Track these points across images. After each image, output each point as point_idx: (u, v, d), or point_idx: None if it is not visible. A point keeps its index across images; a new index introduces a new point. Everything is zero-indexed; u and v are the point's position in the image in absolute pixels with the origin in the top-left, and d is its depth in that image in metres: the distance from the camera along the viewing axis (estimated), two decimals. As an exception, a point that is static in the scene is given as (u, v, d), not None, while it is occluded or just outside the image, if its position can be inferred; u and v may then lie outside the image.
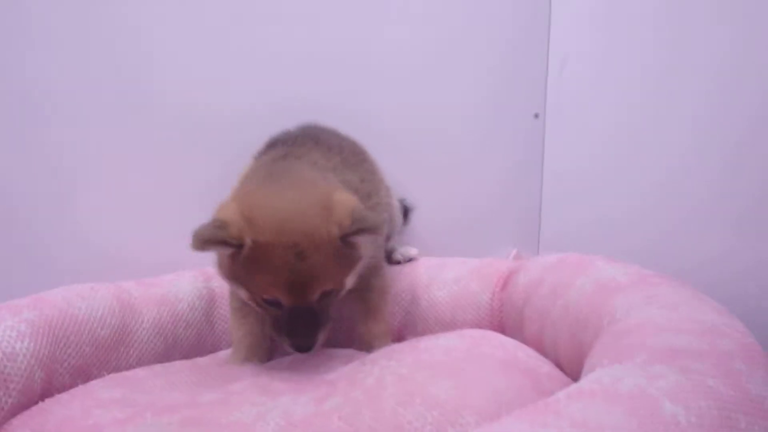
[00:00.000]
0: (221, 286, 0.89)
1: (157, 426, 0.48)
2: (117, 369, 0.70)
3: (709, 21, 0.91)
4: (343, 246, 0.62)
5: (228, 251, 0.61)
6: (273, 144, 0.82)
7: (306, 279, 0.61)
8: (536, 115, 1.10)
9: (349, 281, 0.66)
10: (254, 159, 0.82)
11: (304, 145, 0.77)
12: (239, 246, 0.60)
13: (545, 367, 0.64)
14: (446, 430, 0.48)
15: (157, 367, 0.70)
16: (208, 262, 0.96)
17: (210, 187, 0.97)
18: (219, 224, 0.61)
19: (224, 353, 0.81)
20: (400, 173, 0.99)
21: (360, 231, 0.61)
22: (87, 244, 0.97)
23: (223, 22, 0.99)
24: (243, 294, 0.65)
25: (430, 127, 1.09)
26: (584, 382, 0.43)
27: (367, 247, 0.67)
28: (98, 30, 0.95)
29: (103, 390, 0.59)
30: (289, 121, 0.89)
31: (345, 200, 0.63)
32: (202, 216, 0.97)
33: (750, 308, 0.80)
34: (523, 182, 1.14)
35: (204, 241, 0.59)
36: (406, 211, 1.05)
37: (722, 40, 0.90)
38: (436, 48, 1.07)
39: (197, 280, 0.87)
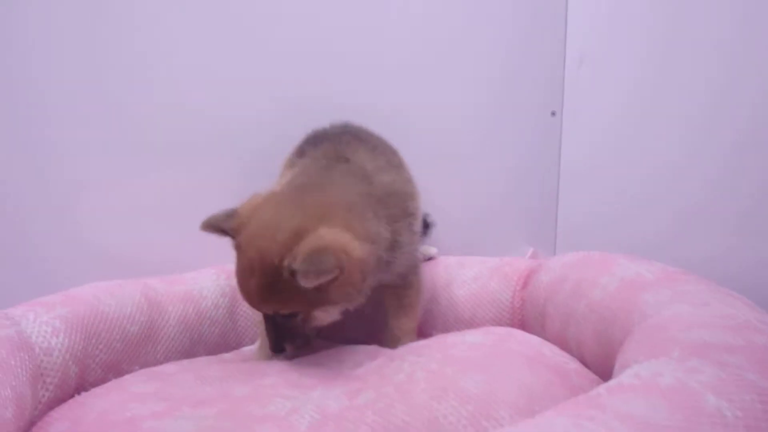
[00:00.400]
0: (243, 284, 0.90)
1: (194, 418, 0.49)
2: (145, 365, 0.71)
3: (725, 21, 0.92)
4: (297, 282, 0.58)
5: (224, 238, 0.65)
6: (317, 140, 0.82)
7: (252, 296, 0.63)
8: (553, 113, 1.10)
9: (323, 316, 0.65)
10: (295, 154, 0.82)
11: (350, 144, 0.78)
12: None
13: (572, 363, 0.64)
14: (481, 423, 0.48)
15: (185, 362, 0.71)
16: (226, 259, 0.98)
17: (228, 186, 0.99)
18: (230, 213, 0.66)
19: (248, 349, 0.81)
20: (416, 172, 0.99)
21: (301, 275, 0.57)
22: (104, 241, 0.97)
23: (232, 22, 1.00)
24: None
25: (446, 126, 1.10)
26: (623, 377, 0.44)
27: (348, 291, 0.63)
28: (104, 28, 0.95)
29: (137, 384, 0.60)
30: (306, 122, 0.89)
31: (317, 239, 0.60)
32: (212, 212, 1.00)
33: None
34: (539, 181, 1.14)
35: (206, 222, 0.66)
36: (426, 226, 1.06)
37: (736, 39, 0.90)
38: (452, 46, 1.07)
39: (219, 277, 0.88)
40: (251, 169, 0.97)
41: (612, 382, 0.43)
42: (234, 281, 0.88)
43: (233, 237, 0.64)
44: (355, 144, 0.79)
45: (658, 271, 0.66)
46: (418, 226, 0.79)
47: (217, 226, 0.65)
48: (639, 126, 1.04)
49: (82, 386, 0.62)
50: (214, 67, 0.99)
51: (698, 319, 0.52)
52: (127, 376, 0.65)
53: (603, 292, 0.67)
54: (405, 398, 0.51)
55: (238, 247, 0.63)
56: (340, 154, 0.75)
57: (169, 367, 0.68)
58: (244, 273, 0.62)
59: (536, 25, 1.09)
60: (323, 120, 0.88)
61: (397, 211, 0.72)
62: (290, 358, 0.70)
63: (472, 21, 1.07)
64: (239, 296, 0.89)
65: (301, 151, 0.81)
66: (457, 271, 0.93)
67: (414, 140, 1.06)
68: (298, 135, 0.89)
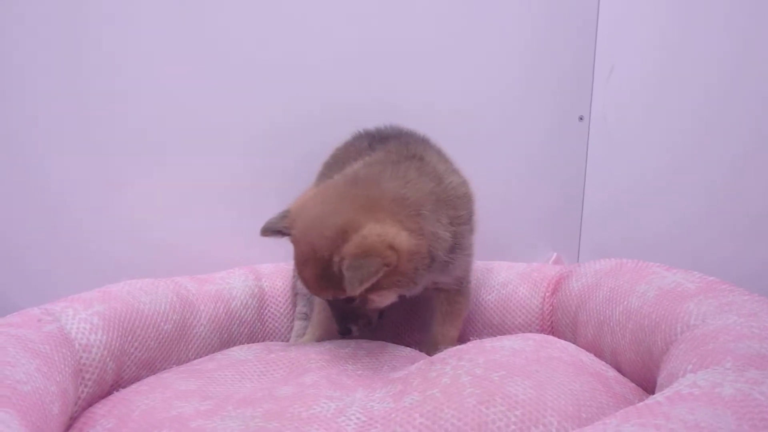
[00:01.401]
0: (271, 286, 0.90)
1: (241, 418, 0.49)
2: (178, 363, 0.71)
3: (750, 31, 0.91)
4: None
5: (281, 238, 0.68)
6: (381, 138, 0.82)
7: (309, 284, 0.67)
8: (581, 118, 1.10)
9: (379, 299, 0.67)
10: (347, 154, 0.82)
11: (419, 144, 0.80)
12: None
13: (610, 371, 0.63)
14: (530, 429, 0.48)
15: (219, 356, 0.71)
16: (254, 260, 0.98)
17: (263, 185, 1.00)
18: (284, 213, 0.69)
19: (274, 344, 0.80)
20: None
21: (347, 283, 0.59)
22: (136, 239, 0.97)
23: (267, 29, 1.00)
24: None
25: (472, 127, 1.10)
26: (679, 386, 0.43)
27: (399, 280, 0.65)
28: (125, 26, 0.95)
29: (178, 381, 0.60)
30: (343, 123, 0.90)
31: (361, 240, 0.61)
32: (245, 210, 1.00)
33: None
34: (565, 185, 1.14)
35: (264, 228, 0.69)
36: None
37: (760, 48, 0.90)
38: (483, 49, 1.08)
39: (248, 278, 0.88)
40: (288, 168, 0.97)
41: (668, 391, 0.42)
42: (264, 282, 0.90)
43: (289, 234, 0.67)
44: (424, 144, 0.80)
45: (699, 281, 0.65)
46: (476, 230, 0.80)
47: (273, 229, 0.68)
48: (666, 136, 1.04)
49: (117, 383, 0.62)
50: (245, 67, 1.00)
51: (748, 330, 0.51)
52: (166, 373, 0.64)
53: (641, 300, 0.67)
54: (452, 402, 0.50)
55: (293, 241, 0.67)
56: (413, 153, 0.75)
57: (208, 363, 0.67)
58: (300, 264, 0.66)
59: (567, 30, 1.09)
60: (360, 122, 0.88)
61: (463, 213, 0.73)
62: (356, 336, 0.72)
63: (504, 24, 1.08)
64: (267, 297, 0.90)
65: (357, 150, 0.81)
66: (485, 276, 0.93)
67: (440, 141, 1.07)
68: (336, 135, 0.89)
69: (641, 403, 0.41)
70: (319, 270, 0.63)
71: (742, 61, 0.92)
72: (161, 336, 0.68)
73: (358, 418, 0.49)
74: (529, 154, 1.12)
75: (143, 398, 0.55)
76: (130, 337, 0.63)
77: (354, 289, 0.58)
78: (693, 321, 0.57)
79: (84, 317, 0.60)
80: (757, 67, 0.91)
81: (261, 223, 1.00)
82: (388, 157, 0.73)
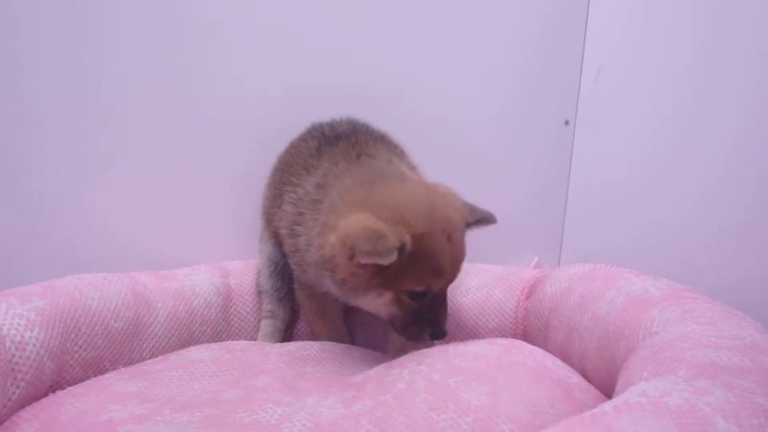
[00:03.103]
0: (239, 284, 0.88)
1: (176, 424, 0.46)
2: (130, 363, 0.68)
3: (746, 36, 0.90)
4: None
5: (394, 257, 0.58)
6: (332, 140, 0.79)
7: (456, 258, 0.66)
8: (567, 122, 1.09)
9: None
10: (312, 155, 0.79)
11: (369, 144, 0.77)
12: (402, 248, 0.59)
13: (574, 377, 0.62)
14: (480, 438, 0.46)
15: (173, 356, 0.68)
16: (223, 257, 0.96)
17: (226, 181, 0.98)
18: (378, 235, 0.57)
19: (236, 343, 0.78)
20: (426, 174, 0.97)
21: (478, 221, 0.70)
22: (100, 234, 0.95)
23: (248, 18, 0.98)
24: (376, 301, 0.64)
25: (457, 130, 1.08)
26: (629, 395, 0.42)
27: None
28: (130, 22, 0.94)
29: (118, 383, 0.57)
30: (308, 121, 0.88)
31: (451, 193, 0.70)
32: (219, 209, 0.98)
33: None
34: (549, 190, 1.12)
35: (381, 256, 0.57)
36: None
37: (759, 54, 0.89)
38: (469, 51, 1.06)
39: (214, 275, 0.85)
40: (259, 165, 0.94)
41: (617, 400, 0.41)
42: (231, 280, 0.87)
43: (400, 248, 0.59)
44: (376, 143, 0.78)
45: (666, 288, 0.64)
46: None
47: (391, 250, 0.58)
48: (652, 140, 1.03)
49: (58, 384, 0.59)
50: (215, 63, 0.97)
51: (705, 339, 0.50)
52: (109, 374, 0.61)
53: (609, 307, 0.66)
54: (403, 408, 0.49)
55: (415, 242, 0.61)
56: (365, 154, 0.74)
57: (156, 364, 0.65)
58: (442, 250, 0.65)
59: (555, 33, 1.07)
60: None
61: None
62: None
63: (490, 27, 1.06)
64: (234, 295, 0.88)
65: (315, 149, 0.78)
66: (461, 278, 0.90)
67: (423, 143, 1.05)
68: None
69: (588, 413, 0.40)
70: (461, 238, 0.67)
71: (733, 65, 0.91)
72: (111, 334, 0.65)
73: (303, 425, 0.48)
74: (512, 159, 1.11)
75: (75, 401, 0.52)
76: (73, 335, 0.60)
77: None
78: (655, 328, 0.56)
79: (19, 312, 0.56)
80: (748, 70, 0.90)
81: (232, 219, 0.99)
82: (344, 169, 0.72)
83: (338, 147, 0.75)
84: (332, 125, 0.82)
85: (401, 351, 0.73)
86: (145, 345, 0.71)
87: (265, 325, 0.83)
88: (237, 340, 0.84)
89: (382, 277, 0.61)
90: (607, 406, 0.40)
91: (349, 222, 0.59)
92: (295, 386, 0.57)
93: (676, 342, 0.51)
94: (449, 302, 0.88)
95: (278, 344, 0.72)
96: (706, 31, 0.95)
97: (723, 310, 0.57)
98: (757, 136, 0.89)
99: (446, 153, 1.06)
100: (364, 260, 0.58)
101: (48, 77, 0.91)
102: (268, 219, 0.84)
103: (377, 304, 0.64)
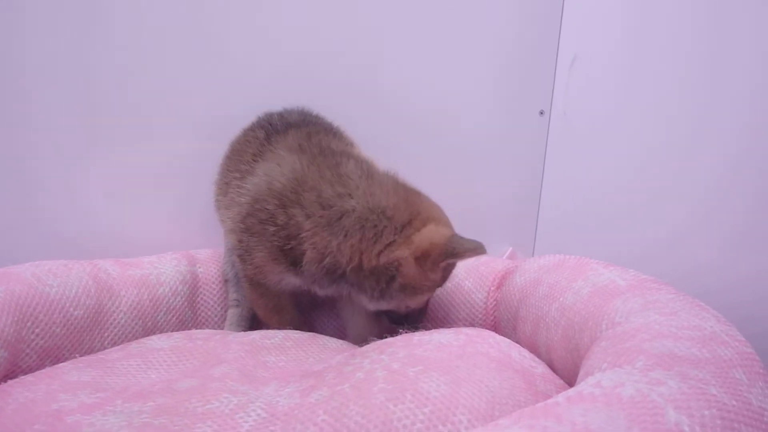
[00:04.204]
0: (206, 272, 0.86)
1: (126, 414, 0.45)
2: (91, 352, 0.66)
3: (723, 25, 0.90)
4: None
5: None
6: (283, 130, 0.78)
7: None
8: (541, 112, 1.08)
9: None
10: (265, 144, 0.78)
11: (342, 139, 0.78)
12: None
13: (539, 368, 0.62)
14: (437, 428, 0.46)
15: (133, 345, 0.66)
16: (192, 245, 0.94)
17: (197, 168, 0.95)
18: (460, 238, 0.69)
19: (199, 332, 0.77)
20: (398, 166, 0.96)
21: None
22: (65, 222, 0.92)
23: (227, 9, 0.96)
24: (421, 299, 0.72)
25: (432, 119, 1.07)
26: (584, 385, 0.42)
27: None
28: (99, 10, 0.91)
29: (72, 372, 0.55)
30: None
31: None
32: (188, 196, 0.96)
33: (743, 316, 0.79)
34: (523, 180, 1.12)
35: (476, 251, 0.68)
36: None
37: (729, 42, 0.89)
38: (444, 40, 1.04)
39: (180, 263, 0.83)
40: (223, 150, 0.92)
41: (572, 391, 0.40)
42: (198, 268, 0.86)
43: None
44: (327, 134, 0.78)
45: (631, 279, 0.64)
46: None
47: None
48: (627, 130, 1.03)
49: (13, 373, 0.57)
50: (183, 49, 0.94)
51: (665, 329, 0.50)
52: (64, 363, 0.60)
53: (575, 297, 0.65)
54: (360, 398, 0.48)
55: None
56: (345, 153, 0.74)
57: (114, 353, 0.63)
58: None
59: (531, 23, 1.06)
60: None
61: None
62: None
63: (466, 17, 1.04)
64: (201, 284, 0.87)
65: (264, 138, 0.77)
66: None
67: (397, 134, 1.04)
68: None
69: (542, 403, 0.39)
70: None
71: (711, 54, 0.91)
72: (70, 323, 0.64)
73: (258, 414, 0.47)
74: (486, 147, 1.10)
75: (25, 390, 0.50)
76: (30, 323, 0.59)
77: None
78: (618, 318, 0.56)
79: (-27, 300, 0.55)
80: (725, 59, 0.90)
81: (200, 207, 0.97)
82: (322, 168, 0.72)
83: (288, 136, 0.74)
84: (283, 114, 0.82)
85: (363, 341, 0.73)
86: (106, 334, 0.69)
87: (232, 314, 0.82)
88: (203, 329, 0.82)
89: (443, 278, 0.71)
90: (561, 396, 0.40)
91: (426, 236, 0.67)
92: (254, 376, 0.56)
93: (636, 332, 0.51)
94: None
95: (242, 333, 0.71)
96: (682, 22, 0.94)
97: (686, 301, 0.57)
98: (730, 123, 0.89)
99: (420, 143, 1.05)
100: (460, 260, 0.71)
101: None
102: (217, 207, 0.83)
103: (419, 301, 0.72)
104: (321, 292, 0.72)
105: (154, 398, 0.49)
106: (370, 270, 0.66)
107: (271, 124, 0.79)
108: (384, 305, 0.71)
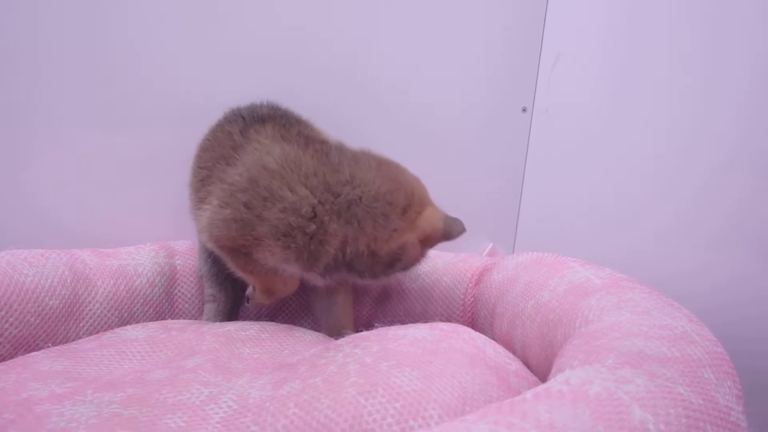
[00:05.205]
0: (184, 264, 0.86)
1: (96, 404, 0.45)
2: (65, 342, 0.65)
3: (706, 24, 0.90)
4: None
5: None
6: (259, 122, 0.76)
7: None
8: (524, 109, 1.08)
9: None
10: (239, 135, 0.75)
11: (314, 129, 0.78)
12: None
13: (513, 365, 0.62)
14: (408, 422, 0.46)
15: (107, 335, 0.65)
16: (171, 236, 0.93)
17: (178, 158, 0.94)
18: (453, 218, 0.77)
19: (175, 322, 0.76)
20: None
21: None
22: (43, 211, 0.90)
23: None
24: (398, 277, 0.78)
25: (413, 113, 1.06)
26: (552, 383, 0.42)
27: None
28: None
29: (44, 361, 0.55)
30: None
31: None
32: (168, 186, 0.95)
33: (729, 319, 0.81)
34: (504, 176, 1.12)
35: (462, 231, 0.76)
36: None
37: (712, 44, 0.89)
38: (429, 36, 1.04)
39: (159, 254, 0.83)
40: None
41: (540, 388, 0.41)
42: (176, 260, 0.85)
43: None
44: (299, 126, 0.77)
45: (607, 277, 0.65)
46: None
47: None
48: (611, 129, 1.03)
49: (-14, 362, 0.57)
50: (162, 36, 0.93)
51: (636, 328, 0.51)
52: (36, 353, 0.59)
53: (551, 295, 0.66)
54: (332, 391, 0.48)
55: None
56: (326, 141, 0.74)
57: (88, 343, 0.62)
58: None
59: (515, 19, 1.06)
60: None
61: None
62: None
63: (449, 12, 1.03)
64: (179, 276, 0.86)
65: (242, 132, 0.74)
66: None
67: (379, 127, 1.03)
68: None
69: (509, 399, 0.40)
70: None
71: (696, 52, 0.91)
72: (45, 312, 0.63)
73: (229, 406, 0.46)
74: (468, 143, 1.10)
75: (-6, 379, 0.50)
76: (3, 312, 0.58)
77: None
78: (591, 316, 0.57)
79: (-56, 288, 0.54)
80: (709, 58, 0.90)
81: (179, 198, 0.95)
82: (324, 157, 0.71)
83: (266, 127, 0.73)
84: (252, 108, 0.80)
85: (338, 333, 0.73)
86: (81, 324, 0.68)
87: (208, 309, 0.81)
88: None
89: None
90: (529, 393, 0.40)
91: (425, 218, 0.72)
92: (227, 367, 0.55)
93: (608, 331, 0.52)
94: (400, 289, 0.89)
95: (218, 324, 0.70)
96: (667, 20, 0.95)
97: (659, 300, 0.58)
98: (716, 125, 0.90)
99: (402, 137, 1.05)
100: (450, 240, 0.75)
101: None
102: (192, 208, 0.80)
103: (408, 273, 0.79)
104: (321, 282, 0.72)
105: (125, 389, 0.48)
106: (381, 256, 0.69)
107: (243, 118, 0.76)
108: (378, 283, 0.75)
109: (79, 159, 0.92)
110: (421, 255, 0.74)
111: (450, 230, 0.74)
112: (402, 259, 0.71)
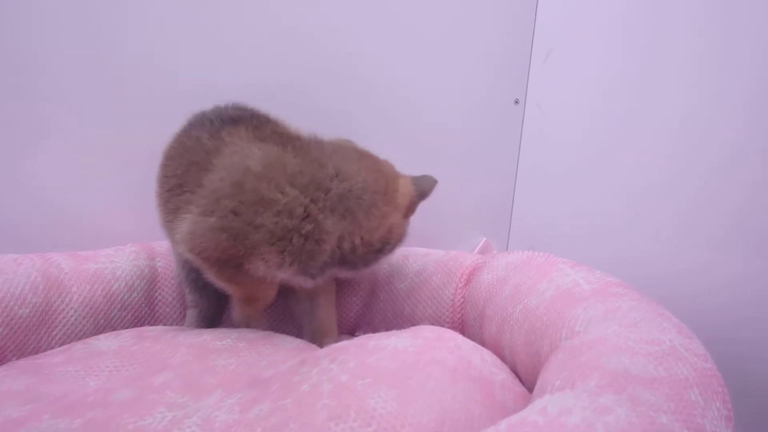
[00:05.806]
0: (166, 267, 0.83)
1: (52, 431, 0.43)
2: (37, 352, 0.63)
3: (694, 18, 0.86)
4: None
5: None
6: (230, 124, 0.72)
7: None
8: (516, 101, 1.04)
9: None
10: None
11: (284, 126, 0.75)
12: None
13: (500, 374, 0.60)
14: (379, 449, 0.44)
15: (78, 346, 0.63)
16: (155, 236, 0.91)
17: (154, 152, 0.91)
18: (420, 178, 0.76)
19: (151, 329, 0.74)
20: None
21: None
22: (21, 211, 0.88)
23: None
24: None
25: (404, 106, 1.03)
26: (529, 411, 0.40)
27: None
28: None
29: (5, 380, 0.53)
30: (264, 102, 0.81)
31: None
32: (146, 182, 0.92)
33: (729, 319, 0.78)
34: (497, 170, 1.09)
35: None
36: None
37: (708, 39, 0.85)
38: (415, 27, 0.99)
39: (139, 257, 0.80)
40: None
41: (515, 418, 0.38)
42: (157, 262, 0.82)
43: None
44: (270, 125, 0.74)
45: (596, 282, 0.62)
46: None
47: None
48: (603, 124, 1.00)
49: (-51, 379, 0.55)
50: (148, 30, 0.89)
51: (623, 343, 0.48)
52: (-2, 369, 0.57)
53: (539, 300, 0.63)
54: (301, 415, 0.46)
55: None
56: (310, 138, 0.73)
57: (55, 356, 0.60)
58: None
59: (506, 12, 1.01)
60: (270, 103, 0.80)
61: None
62: None
63: (440, 5, 0.99)
64: (160, 279, 0.83)
65: (212, 135, 0.70)
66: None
67: (370, 121, 1.00)
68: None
69: (483, 431, 0.38)
70: None
71: (690, 48, 0.87)
72: (14, 322, 0.61)
73: (191, 431, 0.45)
74: (460, 136, 1.06)
75: (-53, 403, 0.48)
76: (-33, 324, 0.56)
77: None
78: (578, 327, 0.54)
79: None
80: (696, 53, 0.86)
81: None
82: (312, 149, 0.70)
83: (239, 128, 0.69)
84: (218, 111, 0.76)
85: (320, 340, 0.72)
86: (54, 333, 0.67)
87: (190, 315, 0.79)
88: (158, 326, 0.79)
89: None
90: (503, 424, 0.38)
91: (402, 192, 0.72)
92: (198, 384, 0.53)
93: (594, 345, 0.49)
94: (388, 289, 0.86)
95: (195, 332, 0.68)
96: (658, 15, 0.90)
97: (648, 309, 0.55)
98: (715, 122, 0.86)
99: (393, 131, 1.01)
100: (427, 197, 0.75)
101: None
102: (163, 221, 0.75)
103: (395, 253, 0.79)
104: (310, 284, 0.69)
105: (85, 413, 0.46)
106: (374, 244, 0.69)
107: (211, 121, 0.72)
108: (369, 271, 0.75)
109: (57, 156, 0.89)
110: (406, 228, 0.76)
111: (423, 190, 0.74)
112: (390, 241, 0.72)
